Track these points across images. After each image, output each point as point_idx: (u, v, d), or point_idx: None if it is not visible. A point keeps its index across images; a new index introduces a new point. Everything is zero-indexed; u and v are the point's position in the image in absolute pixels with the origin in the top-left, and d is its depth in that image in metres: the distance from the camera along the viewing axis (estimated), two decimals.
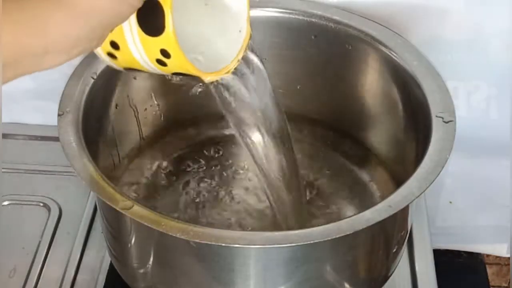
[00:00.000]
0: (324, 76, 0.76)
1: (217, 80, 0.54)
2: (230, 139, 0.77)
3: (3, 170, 0.77)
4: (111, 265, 0.69)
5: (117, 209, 0.53)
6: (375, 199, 0.72)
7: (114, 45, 0.47)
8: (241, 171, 0.75)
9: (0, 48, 0.37)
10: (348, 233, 0.53)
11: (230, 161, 0.76)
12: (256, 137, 0.61)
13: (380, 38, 0.70)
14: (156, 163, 0.75)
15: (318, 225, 0.54)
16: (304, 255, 0.57)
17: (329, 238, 0.53)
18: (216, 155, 0.77)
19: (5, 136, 0.83)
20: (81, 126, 0.61)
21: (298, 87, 0.78)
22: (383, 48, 0.69)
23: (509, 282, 1.01)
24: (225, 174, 0.75)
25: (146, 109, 0.74)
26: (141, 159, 0.75)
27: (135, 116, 0.73)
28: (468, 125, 0.79)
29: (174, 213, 0.70)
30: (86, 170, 0.57)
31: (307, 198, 0.72)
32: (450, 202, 0.90)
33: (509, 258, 0.94)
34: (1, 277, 0.69)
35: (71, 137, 0.59)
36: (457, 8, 0.75)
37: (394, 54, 0.69)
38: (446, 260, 0.79)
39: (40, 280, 0.69)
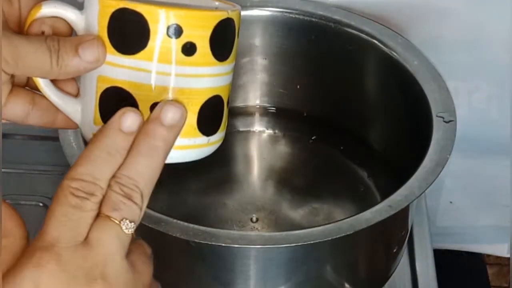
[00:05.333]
0: (324, 75, 0.76)
1: None
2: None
3: (3, 170, 0.77)
4: None
5: None
6: (375, 198, 0.72)
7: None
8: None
9: None
10: (348, 233, 0.53)
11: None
12: None
13: (380, 38, 0.70)
14: None
15: (318, 225, 0.54)
16: (304, 255, 0.57)
17: (329, 238, 0.53)
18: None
19: (5, 136, 0.83)
20: None
21: (298, 87, 0.78)
22: (383, 48, 0.69)
23: (510, 283, 1.01)
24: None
25: None
26: None
27: None
28: (469, 125, 0.79)
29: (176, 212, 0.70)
30: None
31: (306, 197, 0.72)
32: (451, 202, 0.90)
33: (509, 258, 0.94)
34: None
35: (71, 137, 0.59)
36: (457, 8, 0.75)
37: (395, 53, 0.69)
38: (446, 260, 0.79)
39: None
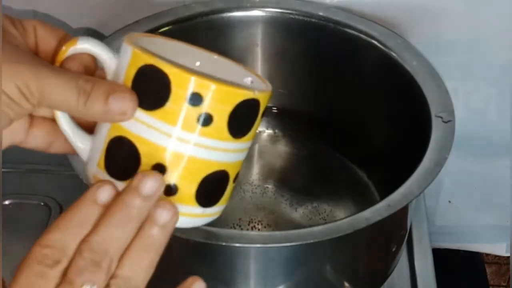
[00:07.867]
0: (323, 76, 0.76)
1: None
2: None
3: (4, 170, 0.77)
4: None
5: None
6: (374, 198, 0.72)
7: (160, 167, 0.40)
8: None
9: None
10: (348, 232, 0.53)
11: None
12: None
13: (380, 38, 0.70)
14: None
15: (318, 225, 0.54)
16: (304, 254, 0.57)
17: (329, 237, 0.53)
18: None
19: None
20: None
21: (298, 87, 0.78)
22: (383, 48, 0.70)
23: (508, 281, 1.01)
24: None
25: None
26: None
27: None
28: (468, 125, 0.80)
29: None
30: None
31: (306, 197, 0.72)
32: (450, 202, 0.90)
33: (508, 257, 0.95)
34: (3, 277, 0.69)
35: None
36: (456, 8, 0.75)
37: (394, 54, 0.69)
38: (445, 259, 0.79)
39: None
